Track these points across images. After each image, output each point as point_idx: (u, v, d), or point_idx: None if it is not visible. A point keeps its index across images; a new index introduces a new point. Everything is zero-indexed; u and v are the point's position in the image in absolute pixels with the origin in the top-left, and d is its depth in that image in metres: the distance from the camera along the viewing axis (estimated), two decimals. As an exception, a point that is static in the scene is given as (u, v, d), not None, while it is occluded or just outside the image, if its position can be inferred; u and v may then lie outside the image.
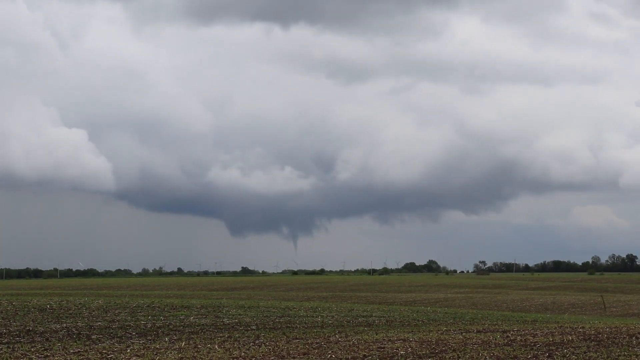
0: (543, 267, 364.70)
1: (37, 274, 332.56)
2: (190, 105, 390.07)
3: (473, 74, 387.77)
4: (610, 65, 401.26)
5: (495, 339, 28.00)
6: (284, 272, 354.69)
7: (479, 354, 23.20)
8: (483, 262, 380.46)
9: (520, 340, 27.59)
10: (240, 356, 22.15)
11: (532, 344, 26.07)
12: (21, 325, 30.69)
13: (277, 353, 23.01)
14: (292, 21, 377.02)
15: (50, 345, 24.42)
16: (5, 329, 29.05)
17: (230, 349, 23.87)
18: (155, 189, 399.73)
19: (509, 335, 29.85)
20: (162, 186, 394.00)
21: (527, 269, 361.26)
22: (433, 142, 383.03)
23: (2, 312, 35.56)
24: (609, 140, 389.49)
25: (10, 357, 21.39)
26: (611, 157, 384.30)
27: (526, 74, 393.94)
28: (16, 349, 23.30)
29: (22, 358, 21.32)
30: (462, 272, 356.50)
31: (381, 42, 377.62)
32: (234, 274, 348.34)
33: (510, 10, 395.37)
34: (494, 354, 23.42)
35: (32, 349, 23.33)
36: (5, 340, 25.99)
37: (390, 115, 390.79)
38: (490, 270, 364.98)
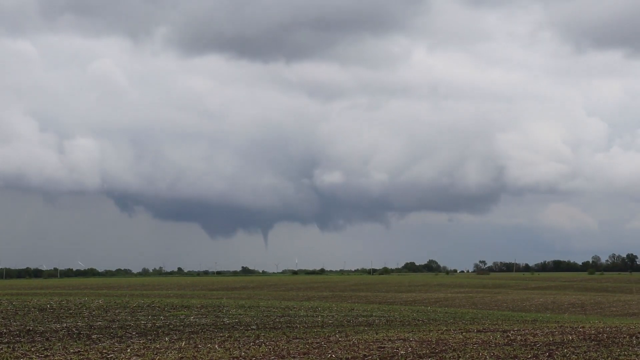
0: (543, 267, 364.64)
1: (37, 273, 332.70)
2: (189, 118, 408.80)
3: (437, 92, 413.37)
4: (550, 83, 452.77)
5: (496, 339, 28.00)
6: (284, 272, 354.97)
7: (479, 354, 23.20)
8: (483, 262, 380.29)
9: (521, 339, 27.60)
10: (240, 356, 22.16)
11: (533, 344, 26.07)
12: (21, 324, 30.70)
13: (277, 353, 23.01)
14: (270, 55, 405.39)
15: (50, 345, 24.43)
16: (6, 329, 29.06)
17: (231, 349, 23.88)
18: (155, 193, 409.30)
19: (509, 334, 29.85)
20: (161, 189, 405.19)
21: (527, 268, 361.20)
22: (416, 148, 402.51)
23: (2, 312, 35.59)
24: (582, 146, 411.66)
25: (10, 357, 21.40)
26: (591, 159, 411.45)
27: (483, 91, 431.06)
28: (16, 349, 23.31)
29: (22, 358, 21.33)
30: (462, 271, 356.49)
31: (353, 67, 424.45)
32: (234, 273, 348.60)
33: (447, 40, 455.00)
34: (494, 353, 23.43)
35: (33, 349, 23.34)
36: (6, 339, 26.00)
37: (367, 127, 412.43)
38: (490, 269, 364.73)
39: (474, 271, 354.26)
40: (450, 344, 25.89)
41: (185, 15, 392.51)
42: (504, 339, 27.90)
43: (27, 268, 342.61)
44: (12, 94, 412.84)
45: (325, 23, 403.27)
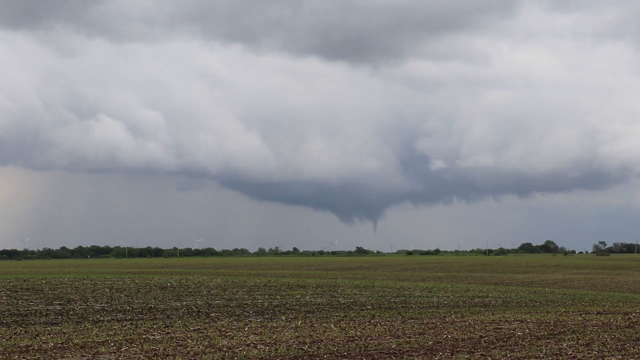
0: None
1: (157, 252, 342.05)
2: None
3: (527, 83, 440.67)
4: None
5: (617, 321, 27.34)
6: (398, 253, 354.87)
7: (599, 336, 22.70)
8: (603, 243, 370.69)
9: (643, 322, 26.87)
10: (356, 335, 22.29)
11: (655, 327, 25.36)
12: (144, 302, 31.64)
13: (392, 333, 23.05)
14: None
15: (171, 322, 25.10)
16: (129, 306, 30.01)
17: (346, 328, 24.04)
18: (271, 177, 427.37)
19: (631, 317, 29.11)
20: (278, 174, 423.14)
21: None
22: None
23: (125, 290, 36.73)
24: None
25: (133, 333, 22.08)
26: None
27: (568, 81, 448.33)
28: (139, 326, 24.04)
29: (145, 334, 21.98)
30: (581, 252, 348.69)
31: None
32: (349, 253, 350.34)
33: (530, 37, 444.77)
34: (615, 336, 22.88)
35: (154, 326, 24.03)
36: (129, 316, 26.85)
37: (473, 114, 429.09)
38: (610, 250, 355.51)
39: (593, 252, 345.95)
40: (569, 326, 25.42)
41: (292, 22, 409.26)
42: (626, 322, 27.22)
43: (148, 247, 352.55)
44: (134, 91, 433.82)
45: (422, 25, 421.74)
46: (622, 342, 21.44)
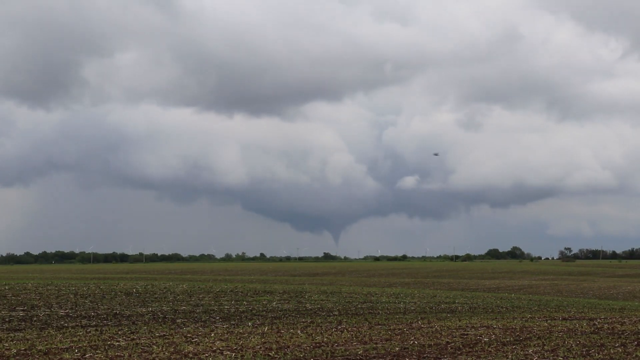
0: (631, 254, 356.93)
1: (123, 258, 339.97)
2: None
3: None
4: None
5: (582, 327, 27.51)
6: (365, 258, 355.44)
7: (564, 342, 22.81)
8: (568, 249, 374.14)
9: (607, 328, 27.05)
10: (322, 341, 22.21)
11: (620, 332, 25.54)
12: (109, 308, 31.35)
13: (359, 339, 23.00)
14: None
15: (136, 329, 24.87)
16: (94, 312, 29.72)
17: (313, 334, 23.95)
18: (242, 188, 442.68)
19: (596, 323, 29.30)
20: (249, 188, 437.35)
21: (614, 256, 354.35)
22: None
23: (90, 296, 36.39)
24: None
25: (98, 340, 21.85)
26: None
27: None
28: (104, 332, 23.80)
29: (109, 340, 21.76)
30: (547, 258, 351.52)
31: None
32: (316, 259, 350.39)
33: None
34: (580, 341, 23.00)
35: (119, 332, 23.79)
36: (94, 322, 26.58)
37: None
38: (575, 257, 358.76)
39: (559, 258, 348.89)
40: (534, 332, 25.53)
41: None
42: (590, 327, 27.40)
43: (114, 253, 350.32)
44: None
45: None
46: (587, 348, 21.56)
